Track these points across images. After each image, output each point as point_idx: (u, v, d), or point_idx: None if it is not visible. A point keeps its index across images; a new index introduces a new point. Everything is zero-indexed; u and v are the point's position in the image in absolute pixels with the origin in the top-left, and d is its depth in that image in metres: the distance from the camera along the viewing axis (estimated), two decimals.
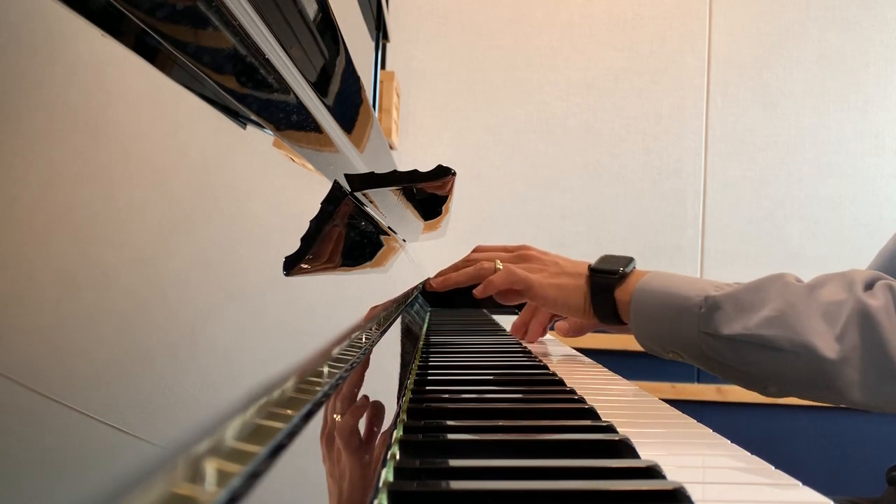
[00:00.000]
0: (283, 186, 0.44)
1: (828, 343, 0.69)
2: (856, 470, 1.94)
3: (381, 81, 1.78)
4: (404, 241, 1.16)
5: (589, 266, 0.87)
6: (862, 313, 0.69)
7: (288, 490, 0.24)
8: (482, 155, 2.15)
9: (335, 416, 0.32)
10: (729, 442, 0.51)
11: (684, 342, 0.77)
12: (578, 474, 0.37)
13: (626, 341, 1.69)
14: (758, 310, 0.72)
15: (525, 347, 0.91)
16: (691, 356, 0.78)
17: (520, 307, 1.10)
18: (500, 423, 0.48)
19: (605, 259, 0.88)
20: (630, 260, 0.86)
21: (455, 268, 0.96)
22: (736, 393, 1.95)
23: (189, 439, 0.18)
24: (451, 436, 0.44)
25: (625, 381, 0.77)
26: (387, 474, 0.35)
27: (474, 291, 0.86)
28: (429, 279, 0.98)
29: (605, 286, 0.84)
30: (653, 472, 0.37)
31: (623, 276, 0.84)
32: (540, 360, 0.82)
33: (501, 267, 0.90)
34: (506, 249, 1.00)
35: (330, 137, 0.57)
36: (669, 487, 0.34)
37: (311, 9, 0.45)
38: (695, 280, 0.80)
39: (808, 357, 0.69)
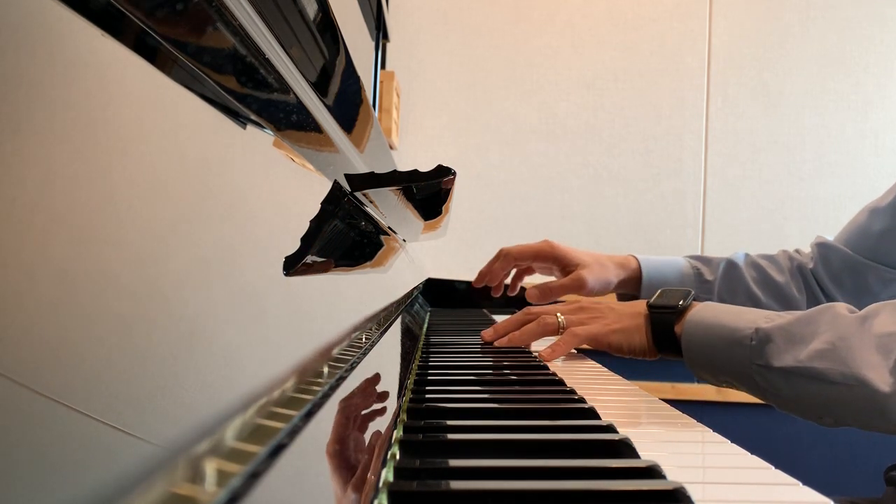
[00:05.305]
0: (283, 186, 0.44)
1: (881, 376, 0.67)
2: (855, 470, 1.94)
3: (381, 81, 1.78)
4: (404, 241, 1.16)
5: (647, 304, 0.87)
6: None
7: (288, 490, 0.24)
8: (482, 155, 2.15)
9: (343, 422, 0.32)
10: (729, 442, 0.51)
11: (737, 373, 0.77)
12: (578, 474, 0.37)
13: None
14: (808, 342, 0.71)
15: (525, 347, 0.92)
16: (745, 386, 0.78)
17: (519, 308, 1.10)
18: (500, 423, 0.48)
19: (663, 294, 0.87)
20: (688, 293, 0.85)
21: (515, 322, 0.94)
22: (736, 393, 1.94)
23: (189, 439, 0.18)
24: (451, 436, 0.44)
25: (625, 381, 0.77)
26: (387, 474, 0.35)
27: (543, 357, 0.85)
28: (483, 331, 0.97)
29: (665, 322, 0.84)
30: (653, 472, 0.37)
31: (682, 311, 0.83)
32: (540, 360, 0.82)
33: (563, 320, 0.90)
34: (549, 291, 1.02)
35: (330, 137, 0.57)
36: (669, 487, 0.34)
37: (311, 9, 0.45)
38: (745, 311, 0.79)
39: (861, 390, 0.68)
